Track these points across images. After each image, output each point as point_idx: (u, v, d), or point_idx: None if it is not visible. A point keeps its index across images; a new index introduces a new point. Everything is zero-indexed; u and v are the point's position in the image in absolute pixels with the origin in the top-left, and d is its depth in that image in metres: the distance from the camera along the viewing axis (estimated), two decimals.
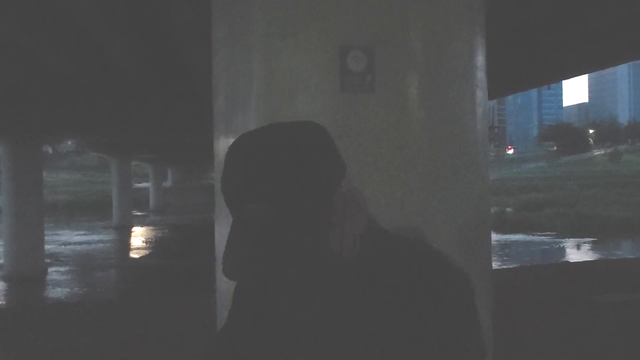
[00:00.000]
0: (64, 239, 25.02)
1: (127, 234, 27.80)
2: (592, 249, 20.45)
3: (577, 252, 19.52)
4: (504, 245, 20.75)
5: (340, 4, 1.75)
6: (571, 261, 14.44)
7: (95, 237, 26.31)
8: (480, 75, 2.02)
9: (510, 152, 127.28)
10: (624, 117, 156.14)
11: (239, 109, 1.93)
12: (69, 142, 68.75)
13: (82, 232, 28.46)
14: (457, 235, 1.94)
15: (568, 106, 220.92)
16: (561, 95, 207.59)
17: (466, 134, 1.95)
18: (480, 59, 2.02)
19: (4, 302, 13.10)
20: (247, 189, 0.90)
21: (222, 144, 2.26)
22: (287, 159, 0.91)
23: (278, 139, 0.93)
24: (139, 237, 26.87)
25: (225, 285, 2.33)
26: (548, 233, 24.47)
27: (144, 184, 58.08)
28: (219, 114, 2.24)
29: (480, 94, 2.01)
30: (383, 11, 1.79)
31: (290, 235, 0.92)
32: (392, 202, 1.70)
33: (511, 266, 14.76)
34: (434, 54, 1.87)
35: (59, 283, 15.09)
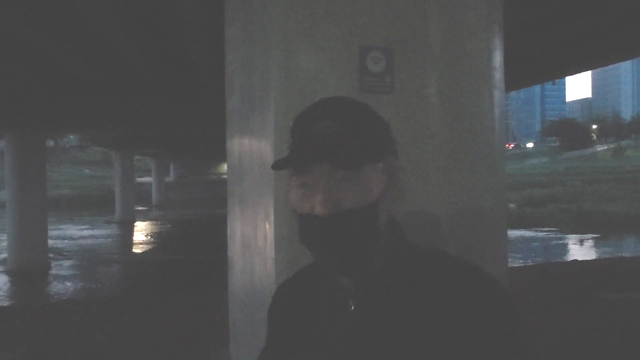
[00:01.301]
0: (67, 234, 25.05)
1: (130, 229, 27.82)
2: (596, 245, 20.43)
3: (580, 249, 19.51)
4: (508, 242, 20.70)
5: (360, 4, 1.73)
6: (576, 259, 14.43)
7: (97, 232, 26.34)
8: (498, 75, 2.01)
9: (530, 145, 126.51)
10: (627, 112, 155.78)
11: (256, 109, 1.91)
12: (72, 137, 68.80)
13: (84, 227, 28.49)
14: (474, 230, 1.93)
15: (571, 101, 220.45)
16: (564, 90, 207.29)
17: (484, 134, 1.93)
18: (498, 59, 2.00)
19: (8, 298, 13.12)
20: (330, 150, 0.92)
21: (237, 143, 2.25)
22: (372, 123, 0.98)
23: (359, 110, 0.99)
24: (141, 232, 26.90)
25: (237, 285, 2.32)
26: (551, 229, 24.47)
27: (146, 179, 58.09)
28: (233, 113, 2.22)
29: (498, 94, 2.00)
30: (402, 12, 1.77)
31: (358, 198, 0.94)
32: (411, 199, 1.69)
33: (515, 263, 14.75)
34: (453, 54, 1.85)
35: (62, 278, 15.11)
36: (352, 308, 0.98)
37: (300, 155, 0.94)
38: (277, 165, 0.97)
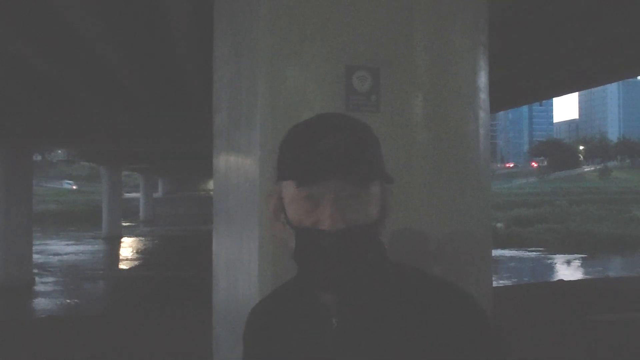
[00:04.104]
0: (52, 249, 24.78)
1: (116, 245, 27.58)
2: (583, 265, 20.51)
3: (567, 269, 19.58)
4: (495, 261, 20.76)
5: (346, 24, 1.75)
6: (563, 279, 14.48)
7: (83, 248, 26.09)
8: (483, 96, 2.03)
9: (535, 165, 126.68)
10: (613, 134, 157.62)
11: (242, 126, 1.92)
12: (59, 152, 68.37)
13: (70, 243, 28.21)
14: (459, 250, 1.93)
15: (558, 122, 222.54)
16: (552, 111, 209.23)
17: (469, 154, 1.95)
18: (483, 80, 2.03)
19: None
20: (339, 167, 0.91)
21: (223, 160, 2.25)
22: (373, 142, 0.98)
23: (361, 127, 0.98)
24: (128, 248, 26.67)
25: (221, 302, 2.30)
26: (538, 249, 24.56)
27: (134, 194, 57.73)
28: (220, 130, 2.23)
29: (483, 115, 2.02)
30: (389, 32, 1.79)
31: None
32: (397, 219, 1.69)
33: (503, 283, 14.78)
34: (438, 74, 1.87)
35: (46, 294, 14.91)
36: (335, 325, 0.97)
37: (316, 166, 0.91)
38: (285, 176, 0.96)
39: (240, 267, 1.90)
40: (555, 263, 21.10)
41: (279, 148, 1.01)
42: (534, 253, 23.43)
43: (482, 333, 0.94)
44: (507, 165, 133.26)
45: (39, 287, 15.68)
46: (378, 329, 0.94)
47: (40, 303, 13.84)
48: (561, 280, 13.52)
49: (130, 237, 31.37)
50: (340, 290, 0.95)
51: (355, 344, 0.95)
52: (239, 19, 2.00)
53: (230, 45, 2.09)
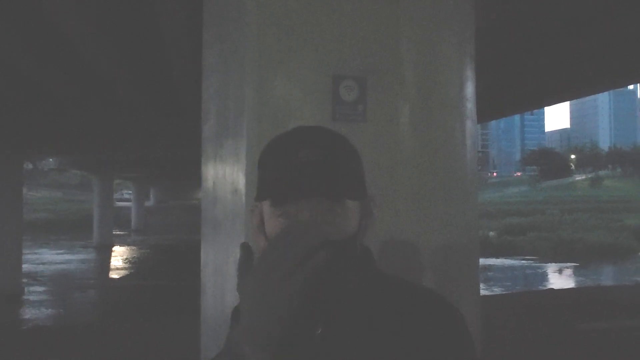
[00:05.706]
0: (42, 258, 24.59)
1: (108, 254, 27.40)
2: (574, 274, 20.57)
3: (559, 278, 19.63)
4: (487, 269, 20.79)
5: (333, 34, 1.76)
6: (554, 288, 14.51)
7: (74, 257, 25.89)
8: (470, 106, 2.04)
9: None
10: (604, 143, 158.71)
11: (229, 135, 1.92)
12: (51, 160, 68.00)
13: (61, 251, 27.99)
14: (446, 260, 1.94)
15: (550, 131, 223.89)
16: (543, 120, 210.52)
17: (456, 163, 1.96)
18: (470, 90, 2.04)
19: None
20: (316, 185, 0.90)
21: (211, 169, 2.25)
22: (354, 157, 0.98)
23: (337, 139, 0.98)
24: (119, 256, 26.50)
25: (209, 311, 2.29)
26: (530, 257, 24.60)
27: (125, 203, 57.45)
28: (208, 139, 2.23)
29: (470, 124, 2.03)
30: (376, 42, 1.80)
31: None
32: (383, 229, 1.70)
33: (495, 292, 14.80)
34: (425, 84, 1.88)
35: (35, 303, 14.77)
36: (319, 332, 0.97)
37: (289, 185, 0.90)
38: (260, 197, 0.94)
39: (227, 276, 1.89)
40: (547, 271, 21.15)
41: (257, 163, 1.01)
42: (526, 261, 23.48)
43: (462, 345, 0.95)
44: (517, 174, 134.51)
45: (28, 297, 15.53)
46: (361, 337, 0.95)
47: (28, 313, 13.71)
48: (552, 289, 13.55)
49: (122, 246, 31.17)
50: (322, 302, 0.95)
51: (338, 351, 0.95)
52: (227, 28, 2.01)
53: (218, 55, 2.10)
